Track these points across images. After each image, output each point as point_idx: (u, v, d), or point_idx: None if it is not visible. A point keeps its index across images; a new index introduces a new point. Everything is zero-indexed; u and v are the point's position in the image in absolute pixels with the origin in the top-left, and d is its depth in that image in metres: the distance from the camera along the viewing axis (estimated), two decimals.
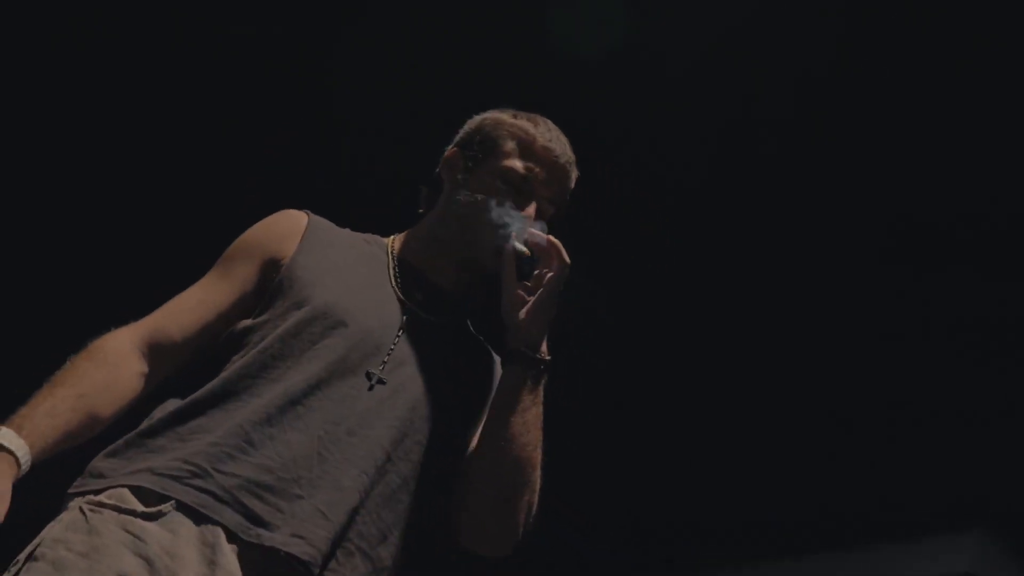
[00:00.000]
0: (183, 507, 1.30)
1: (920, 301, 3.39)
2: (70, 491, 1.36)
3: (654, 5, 2.95)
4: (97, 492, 1.33)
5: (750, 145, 3.21)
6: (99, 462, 1.38)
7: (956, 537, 3.79)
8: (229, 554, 1.28)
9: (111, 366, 1.43)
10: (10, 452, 1.28)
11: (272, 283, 1.52)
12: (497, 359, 1.65)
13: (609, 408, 3.87)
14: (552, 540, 3.08)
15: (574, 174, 1.65)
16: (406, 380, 1.48)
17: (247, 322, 1.50)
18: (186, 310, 1.52)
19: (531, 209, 1.59)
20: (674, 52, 3.02)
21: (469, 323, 1.68)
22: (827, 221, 3.34)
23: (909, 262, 3.31)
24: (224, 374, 1.43)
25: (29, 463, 1.30)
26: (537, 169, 1.61)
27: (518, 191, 1.60)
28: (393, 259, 1.63)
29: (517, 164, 1.61)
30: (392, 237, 1.69)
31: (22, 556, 1.27)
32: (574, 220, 1.68)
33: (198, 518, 1.30)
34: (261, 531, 1.31)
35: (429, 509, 1.50)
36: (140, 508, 1.30)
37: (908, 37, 2.91)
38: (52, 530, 1.29)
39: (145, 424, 1.41)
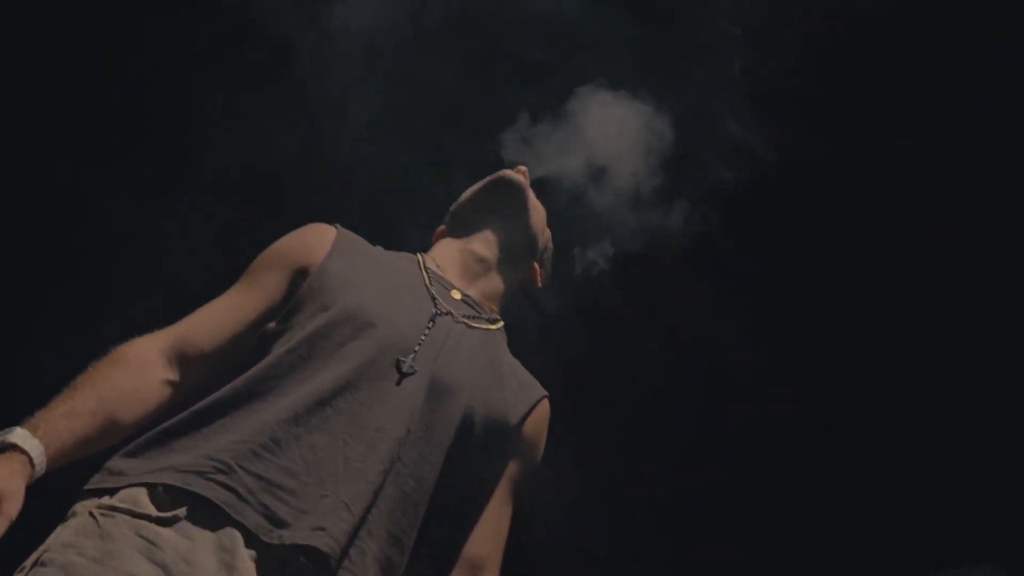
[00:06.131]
0: (202, 506, 1.26)
1: None
2: (86, 487, 1.31)
3: None
4: (114, 491, 1.28)
5: None
6: (118, 460, 1.34)
7: (967, 572, 3.73)
8: (247, 560, 1.24)
9: (135, 372, 1.39)
10: (24, 452, 1.23)
11: (300, 290, 1.51)
12: (523, 376, 1.63)
13: None
14: None
15: None
16: (429, 375, 1.45)
17: (273, 326, 1.48)
18: (214, 318, 1.49)
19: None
20: None
21: (503, 331, 1.68)
22: None
23: None
24: (249, 373, 1.40)
25: (44, 465, 1.25)
26: None
27: None
28: (424, 269, 1.66)
29: None
30: (419, 253, 1.73)
31: (28, 562, 1.22)
32: None
33: (216, 522, 1.26)
34: (283, 532, 1.27)
35: (445, 525, 1.45)
36: (154, 513, 1.25)
37: None
38: (60, 535, 1.25)
39: (166, 423, 1.37)
